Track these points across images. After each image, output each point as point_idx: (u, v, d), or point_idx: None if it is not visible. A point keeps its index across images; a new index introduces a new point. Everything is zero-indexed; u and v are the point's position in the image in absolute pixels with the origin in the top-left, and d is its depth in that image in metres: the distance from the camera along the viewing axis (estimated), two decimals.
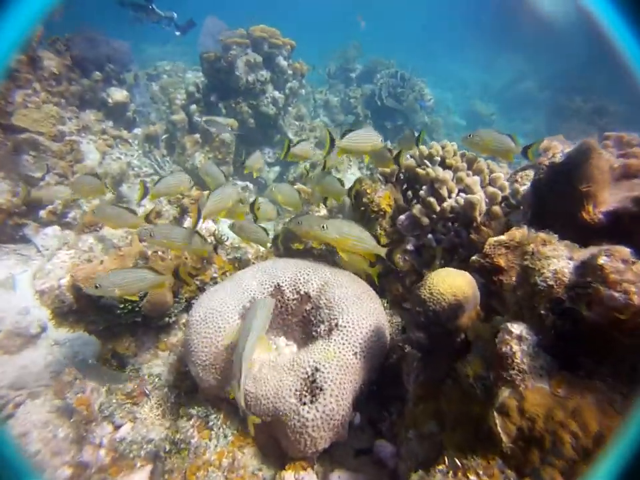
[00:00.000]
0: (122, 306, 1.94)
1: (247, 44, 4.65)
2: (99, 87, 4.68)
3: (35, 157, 3.73)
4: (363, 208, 2.36)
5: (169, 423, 2.11)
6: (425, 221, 2.07)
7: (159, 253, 2.09)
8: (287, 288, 1.87)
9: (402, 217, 2.19)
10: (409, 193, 2.41)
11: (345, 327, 1.64)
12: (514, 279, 1.31)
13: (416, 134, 2.56)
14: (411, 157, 2.51)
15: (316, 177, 2.23)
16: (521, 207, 1.82)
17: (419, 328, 1.42)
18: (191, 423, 1.84)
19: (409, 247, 2.15)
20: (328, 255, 2.65)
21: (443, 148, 2.22)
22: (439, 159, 2.14)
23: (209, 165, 2.76)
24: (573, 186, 1.31)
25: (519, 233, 1.40)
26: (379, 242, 2.26)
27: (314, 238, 2.24)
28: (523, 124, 9.56)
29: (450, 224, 2.07)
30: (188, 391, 2.15)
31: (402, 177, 2.43)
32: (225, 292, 1.83)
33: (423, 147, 2.29)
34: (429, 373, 1.51)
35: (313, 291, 1.85)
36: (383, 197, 2.28)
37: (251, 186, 4.88)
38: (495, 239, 1.41)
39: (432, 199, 2.03)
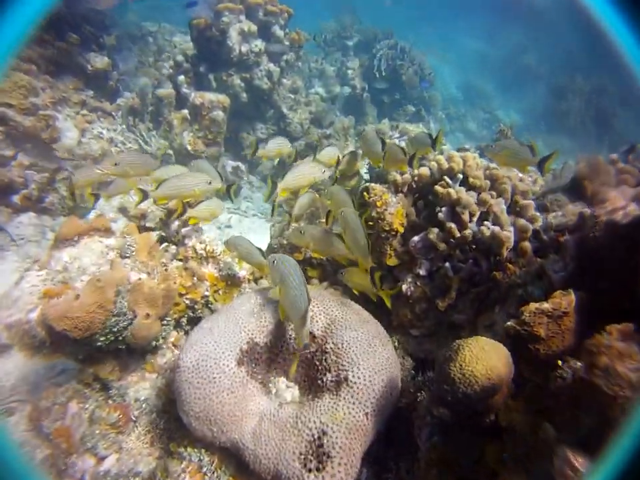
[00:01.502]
0: (103, 338, 1.70)
1: (240, 10, 4.16)
2: (76, 52, 4.17)
3: (3, 133, 3.32)
4: (371, 222, 2.11)
5: (158, 452, 1.93)
6: (442, 246, 1.84)
7: (143, 276, 1.83)
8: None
9: (415, 238, 1.95)
10: (420, 202, 2.17)
11: (356, 383, 1.44)
12: (559, 363, 1.10)
13: (432, 132, 2.27)
14: (425, 163, 2.25)
15: (329, 191, 1.96)
16: (550, 245, 1.59)
17: (444, 405, 1.23)
18: (182, 466, 1.66)
19: (422, 271, 1.93)
20: (327, 265, 2.42)
21: (464, 162, 1.95)
22: (460, 176, 1.88)
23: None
24: (637, 257, 1.09)
25: (566, 301, 1.18)
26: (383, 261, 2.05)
27: (315, 250, 2.02)
28: (520, 100, 9.19)
29: (468, 248, 1.84)
30: (178, 416, 1.97)
31: (414, 186, 2.17)
32: (218, 331, 1.60)
33: (441, 159, 2.02)
34: (447, 443, 1.34)
35: (318, 330, 1.63)
36: (395, 214, 2.02)
37: (243, 167, 4.54)
38: (537, 306, 1.19)
39: (452, 225, 1.79)
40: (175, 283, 1.80)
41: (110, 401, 1.99)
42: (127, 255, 1.91)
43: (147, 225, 2.46)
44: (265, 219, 4.44)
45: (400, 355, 1.75)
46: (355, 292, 1.96)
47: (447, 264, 1.83)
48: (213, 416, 1.49)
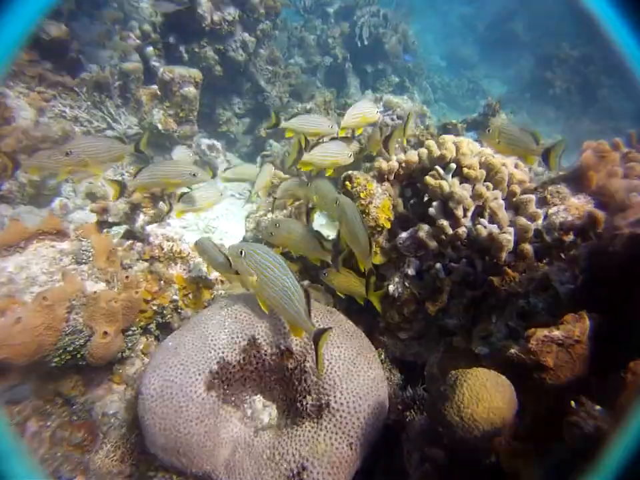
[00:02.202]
0: (57, 359, 1.49)
1: None
2: None
3: None
4: None
5: (129, 469, 1.76)
6: (433, 245, 1.65)
7: (101, 285, 1.60)
8: (264, 340, 1.46)
9: (403, 235, 1.75)
10: (408, 190, 1.96)
11: (339, 410, 1.26)
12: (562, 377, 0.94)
13: (417, 102, 2.03)
14: (410, 145, 2.03)
15: (314, 184, 1.73)
16: (562, 255, 1.41)
17: (438, 446, 1.06)
18: None
19: (410, 271, 1.74)
20: (306, 259, 2.21)
21: (458, 148, 1.73)
22: (453, 166, 1.66)
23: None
24: None
25: (579, 328, 1.01)
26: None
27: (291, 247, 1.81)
28: (505, 68, 8.86)
29: (461, 244, 1.65)
30: None
31: (401, 173, 1.95)
32: (185, 351, 1.40)
33: (432, 144, 1.79)
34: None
35: (296, 345, 1.44)
36: (381, 207, 1.81)
37: (218, 145, 4.23)
38: (546, 333, 1.01)
39: (444, 222, 1.59)
40: (137, 292, 1.57)
41: (74, 417, 1.79)
42: (83, 260, 1.67)
43: (110, 219, 2.20)
44: (243, 199, 4.17)
45: (387, 367, 1.59)
46: (339, 294, 1.77)
47: (438, 265, 1.64)
48: (181, 447, 1.31)
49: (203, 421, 1.31)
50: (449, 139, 1.81)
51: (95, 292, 1.47)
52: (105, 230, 2.21)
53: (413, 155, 1.89)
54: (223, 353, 1.42)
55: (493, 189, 1.67)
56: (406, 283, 1.75)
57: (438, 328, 1.71)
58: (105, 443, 1.78)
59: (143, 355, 1.94)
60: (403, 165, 1.92)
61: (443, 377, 1.59)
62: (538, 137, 1.55)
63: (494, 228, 1.47)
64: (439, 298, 1.66)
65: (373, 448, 1.33)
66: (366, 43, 5.90)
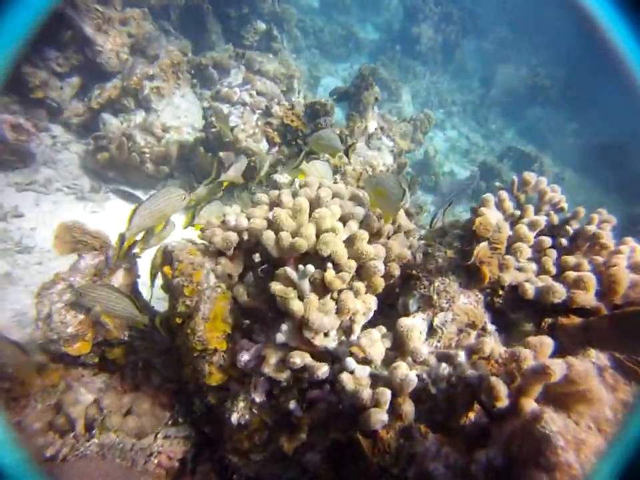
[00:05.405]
0: None
1: None
2: None
3: None
4: (178, 320, 1.26)
5: None
6: (286, 376, 1.12)
7: None
8: None
9: (245, 357, 1.20)
10: (255, 256, 1.39)
11: None
12: None
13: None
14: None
15: None
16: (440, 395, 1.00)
17: None
18: None
19: (257, 397, 1.22)
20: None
21: (317, 227, 1.15)
22: (311, 269, 1.08)
23: None
24: None
25: None
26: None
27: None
28: (377, 14, 8.14)
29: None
30: None
31: (245, 239, 1.34)
32: None
33: (282, 217, 1.19)
34: None
35: None
36: (212, 319, 1.20)
37: (28, 124, 2.97)
38: None
39: (297, 361, 1.06)
40: None
41: None
42: None
43: None
44: (76, 195, 3.09)
45: None
46: None
47: (292, 404, 1.14)
48: None
49: None
50: (305, 206, 1.22)
51: None
52: None
53: (259, 221, 1.28)
54: None
55: (365, 290, 1.17)
56: (254, 410, 1.24)
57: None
58: None
59: None
60: (247, 230, 1.31)
61: None
62: (406, 192, 1.10)
63: (363, 380, 0.98)
64: (297, 435, 1.19)
65: None
66: None
